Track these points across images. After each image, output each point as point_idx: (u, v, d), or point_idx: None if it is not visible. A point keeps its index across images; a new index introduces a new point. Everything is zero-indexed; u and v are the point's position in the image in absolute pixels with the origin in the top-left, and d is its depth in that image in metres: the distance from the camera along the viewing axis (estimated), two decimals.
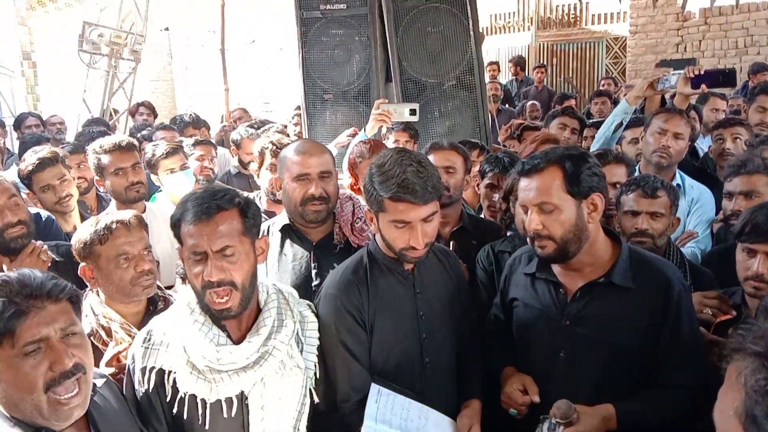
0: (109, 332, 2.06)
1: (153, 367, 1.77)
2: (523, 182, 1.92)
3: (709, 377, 1.86)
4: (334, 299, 1.98)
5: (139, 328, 2.11)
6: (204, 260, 1.72)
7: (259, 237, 1.87)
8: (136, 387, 1.80)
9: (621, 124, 3.62)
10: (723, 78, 3.65)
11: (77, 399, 1.45)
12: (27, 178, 3.22)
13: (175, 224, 1.78)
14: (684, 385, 1.85)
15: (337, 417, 1.98)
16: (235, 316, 1.78)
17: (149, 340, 1.82)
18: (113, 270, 2.09)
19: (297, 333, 1.91)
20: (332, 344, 1.96)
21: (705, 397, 1.83)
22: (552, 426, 1.72)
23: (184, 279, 2.62)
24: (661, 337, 1.87)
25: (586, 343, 1.90)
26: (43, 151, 3.29)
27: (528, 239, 1.96)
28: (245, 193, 2.00)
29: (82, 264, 2.15)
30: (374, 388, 1.89)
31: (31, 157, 3.24)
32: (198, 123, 6.11)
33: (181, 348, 1.76)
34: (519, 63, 10.12)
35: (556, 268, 2.00)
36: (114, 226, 2.11)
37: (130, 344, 2.04)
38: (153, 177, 3.55)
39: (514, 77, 10.03)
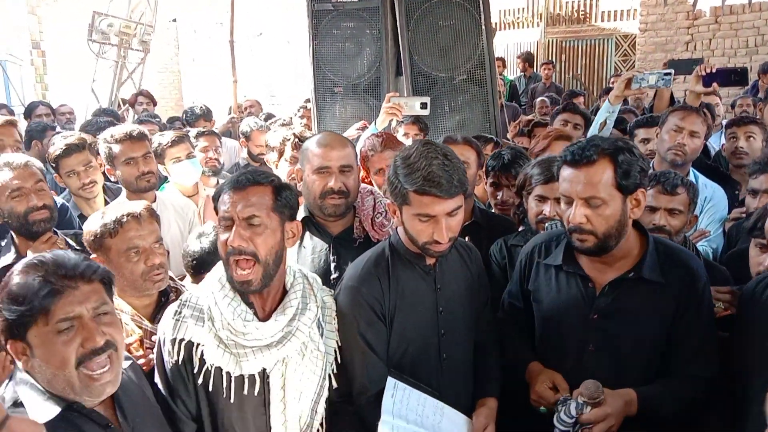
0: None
1: (182, 339, 1.81)
2: (569, 172, 1.87)
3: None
4: (354, 291, 1.97)
5: (150, 320, 2.14)
6: (231, 227, 1.77)
7: (291, 221, 1.89)
8: (166, 359, 1.83)
9: (605, 122, 3.61)
10: (735, 76, 3.64)
11: (109, 375, 1.50)
12: (54, 162, 3.25)
13: (216, 197, 1.85)
14: (698, 375, 1.87)
15: (351, 409, 1.98)
16: (256, 291, 1.81)
17: (180, 312, 1.85)
18: (124, 263, 2.09)
19: (318, 318, 1.94)
20: (351, 336, 1.96)
21: (716, 387, 1.86)
22: (579, 406, 1.72)
23: (194, 275, 2.62)
24: (680, 326, 1.88)
25: (615, 337, 1.91)
26: (72, 137, 3.31)
27: (567, 230, 1.92)
28: None
29: (93, 255, 2.14)
30: (390, 381, 1.89)
31: (60, 142, 3.25)
32: (209, 115, 6.11)
33: (209, 321, 1.81)
34: (527, 59, 10.08)
35: (583, 261, 1.98)
36: (125, 219, 2.10)
37: (141, 337, 2.06)
38: (160, 166, 3.54)
39: (522, 73, 9.99)
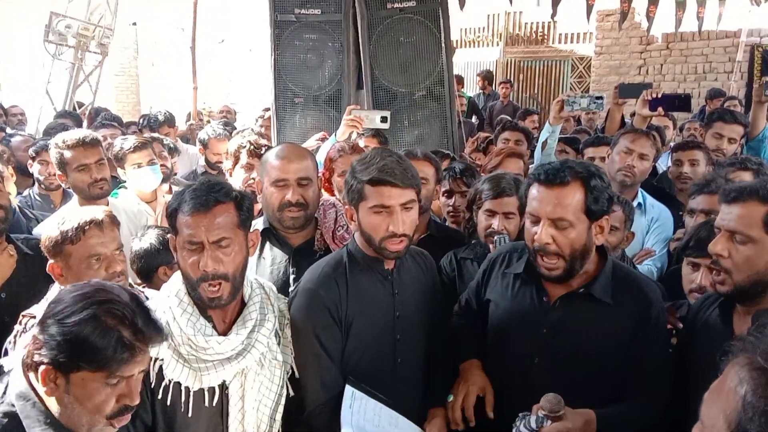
0: None
1: None
2: (541, 192, 1.87)
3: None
4: (312, 293, 1.99)
5: None
6: (200, 250, 1.76)
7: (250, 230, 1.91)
8: None
9: (546, 142, 3.75)
10: (679, 102, 3.82)
11: (122, 424, 1.53)
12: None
13: (171, 214, 1.81)
14: (653, 401, 1.90)
15: (303, 417, 1.99)
16: (225, 306, 1.82)
17: None
18: (84, 270, 2.06)
19: (276, 328, 1.95)
20: (305, 340, 1.97)
21: (666, 414, 1.91)
22: (540, 419, 1.71)
23: (144, 279, 2.60)
24: (635, 355, 1.90)
25: (560, 353, 1.92)
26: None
27: (531, 250, 1.93)
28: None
29: (51, 261, 2.11)
30: (348, 390, 1.90)
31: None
32: (172, 122, 6.06)
33: (168, 336, 1.78)
34: (487, 77, 10.26)
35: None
36: (87, 226, 2.07)
37: None
38: (119, 171, 3.50)
39: (481, 91, 10.17)
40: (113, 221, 2.17)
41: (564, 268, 1.87)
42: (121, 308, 1.44)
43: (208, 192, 1.78)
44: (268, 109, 5.41)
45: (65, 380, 1.42)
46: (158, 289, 2.29)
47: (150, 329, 1.48)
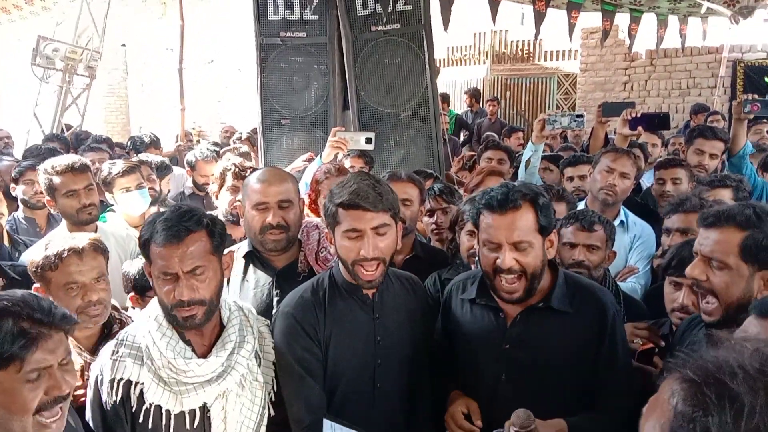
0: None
1: (121, 379, 1.82)
2: (495, 218, 1.90)
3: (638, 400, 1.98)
4: (289, 317, 2.01)
5: (91, 352, 2.13)
6: (174, 280, 1.79)
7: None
8: (104, 398, 1.83)
9: (530, 161, 3.81)
10: (658, 121, 3.90)
11: (60, 423, 1.50)
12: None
13: (144, 244, 1.83)
14: (619, 407, 1.92)
15: None
16: (200, 326, 1.84)
17: (117, 352, 1.86)
18: (62, 297, 2.09)
19: (256, 349, 1.97)
20: (287, 362, 1.99)
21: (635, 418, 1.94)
22: None
23: (142, 297, 2.61)
24: (598, 361, 1.95)
25: (526, 366, 1.96)
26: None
27: (491, 272, 1.95)
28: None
29: (36, 285, 2.14)
30: (327, 423, 1.90)
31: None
32: (158, 143, 6.08)
33: (148, 360, 1.82)
34: (474, 95, 10.36)
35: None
36: (65, 254, 2.10)
37: (82, 366, 2.05)
38: (108, 195, 3.50)
39: (469, 108, 10.25)
40: (96, 249, 2.18)
41: (524, 289, 1.92)
42: (10, 304, 1.43)
43: (179, 221, 1.80)
44: (254, 131, 5.43)
45: None
46: None
47: (48, 317, 1.46)
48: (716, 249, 1.75)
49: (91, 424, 1.85)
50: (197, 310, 1.81)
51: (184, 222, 1.79)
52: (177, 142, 7.45)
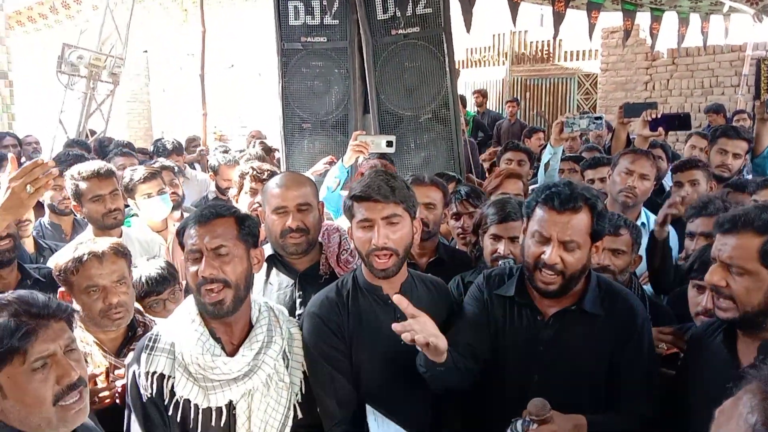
0: (85, 358, 2.09)
1: (155, 372, 1.88)
2: (553, 216, 1.92)
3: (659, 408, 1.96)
4: (315, 317, 2.07)
5: (116, 354, 2.18)
6: (200, 259, 1.86)
7: (255, 247, 1.98)
8: (141, 391, 1.88)
9: (549, 164, 3.80)
10: (679, 121, 3.86)
11: (81, 404, 1.53)
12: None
13: (180, 232, 1.93)
14: (639, 411, 1.94)
15: None
16: (228, 314, 1.89)
17: (151, 346, 1.92)
18: (85, 300, 2.15)
19: (284, 350, 2.01)
20: (315, 361, 2.04)
21: (659, 425, 1.94)
22: (526, 423, 1.76)
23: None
24: (623, 363, 1.96)
25: (558, 368, 1.98)
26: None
27: (531, 266, 1.97)
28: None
29: (61, 289, 2.20)
30: (369, 410, 1.96)
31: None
32: (180, 149, 6.15)
33: (179, 354, 1.88)
34: (483, 95, 10.35)
35: (534, 294, 2.04)
36: (86, 258, 2.15)
37: (107, 368, 2.10)
38: (130, 201, 3.57)
39: (477, 108, 10.19)
40: (117, 253, 2.22)
41: (560, 284, 1.94)
42: (6, 302, 1.48)
43: (212, 207, 1.94)
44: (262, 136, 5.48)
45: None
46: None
47: (46, 308, 1.50)
48: (735, 255, 1.74)
49: (133, 416, 1.90)
50: (223, 292, 1.85)
51: (216, 208, 1.93)
52: (199, 147, 7.52)
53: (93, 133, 8.67)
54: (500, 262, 2.45)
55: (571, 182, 2.02)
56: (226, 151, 5.64)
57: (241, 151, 5.50)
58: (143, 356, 1.91)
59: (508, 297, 2.09)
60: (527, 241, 2.01)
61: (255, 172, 3.26)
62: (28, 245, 3.40)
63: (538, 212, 1.97)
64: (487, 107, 10.28)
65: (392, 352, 2.06)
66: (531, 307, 2.05)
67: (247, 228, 1.93)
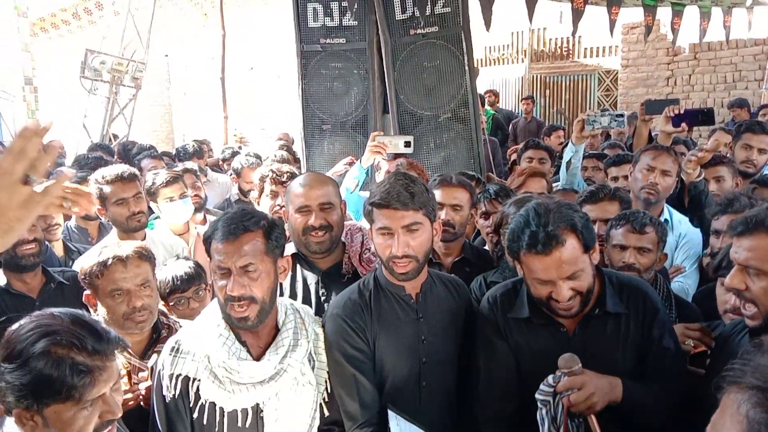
0: None
1: (180, 375, 1.90)
2: (540, 260, 1.84)
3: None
4: (338, 318, 2.08)
5: (141, 356, 2.21)
6: (228, 275, 1.86)
7: (282, 256, 1.99)
8: (165, 393, 1.91)
9: (570, 162, 3.78)
10: (702, 117, 3.81)
11: None
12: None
13: (207, 240, 1.93)
14: (674, 391, 1.93)
15: None
16: (252, 327, 1.91)
17: (177, 349, 1.94)
18: (109, 303, 2.18)
19: (310, 352, 2.03)
20: (338, 362, 2.04)
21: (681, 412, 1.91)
22: (557, 377, 1.81)
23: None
24: (652, 347, 1.96)
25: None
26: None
27: (544, 303, 1.93)
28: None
29: (86, 292, 2.24)
30: (391, 415, 1.95)
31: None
32: (201, 153, 6.22)
33: (205, 358, 1.89)
34: (495, 94, 10.32)
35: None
36: (110, 261, 2.18)
37: (128, 371, 2.13)
38: (152, 205, 3.61)
39: (489, 107, 10.14)
40: (141, 257, 2.25)
41: (580, 303, 1.91)
42: (66, 335, 1.44)
43: (239, 220, 1.89)
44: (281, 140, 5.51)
45: (41, 417, 1.42)
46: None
47: (102, 345, 1.47)
48: (751, 257, 1.71)
49: (156, 417, 1.92)
50: (248, 308, 1.86)
51: (244, 221, 1.89)
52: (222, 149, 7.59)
53: (116, 137, 8.80)
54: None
55: (539, 212, 1.88)
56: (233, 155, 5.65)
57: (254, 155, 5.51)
58: (168, 359, 1.93)
59: (524, 318, 2.03)
60: (532, 283, 1.94)
61: (274, 175, 3.29)
62: (57, 248, 3.46)
63: (528, 260, 1.88)
64: (499, 106, 10.23)
65: (415, 352, 2.08)
66: (551, 324, 2.00)
67: (275, 240, 1.93)
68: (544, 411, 1.85)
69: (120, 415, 1.52)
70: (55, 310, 1.52)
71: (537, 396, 1.86)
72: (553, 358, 1.89)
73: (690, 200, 3.38)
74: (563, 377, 1.79)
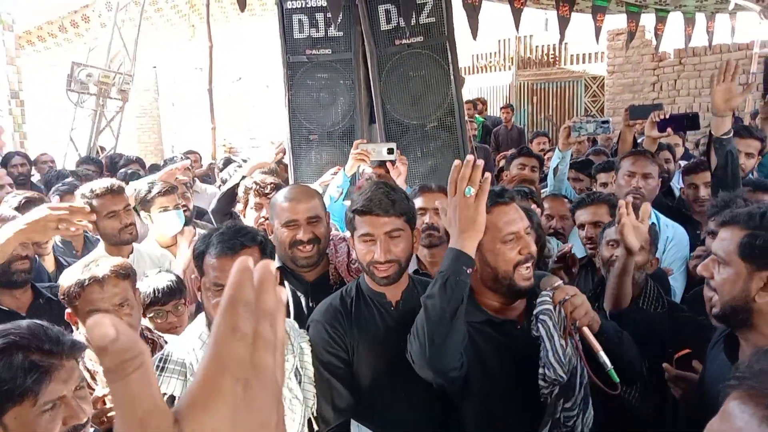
0: (93, 376, 2.10)
1: (164, 394, 1.87)
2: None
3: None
4: (318, 324, 2.09)
5: None
6: (221, 293, 1.82)
7: None
8: None
9: (557, 168, 3.80)
10: (687, 121, 3.85)
11: None
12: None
13: (198, 256, 1.91)
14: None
15: None
16: None
17: (162, 367, 1.92)
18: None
19: (296, 366, 2.02)
20: (316, 367, 2.06)
21: None
22: (544, 296, 1.87)
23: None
24: None
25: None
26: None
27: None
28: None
29: (68, 310, 2.20)
30: (354, 425, 1.97)
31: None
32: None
33: (191, 376, 1.87)
34: (483, 102, 10.39)
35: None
36: (86, 282, 2.13)
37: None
38: (143, 214, 3.56)
39: (479, 114, 10.21)
40: (119, 276, 2.18)
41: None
42: (17, 337, 1.41)
43: (235, 236, 1.88)
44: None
45: (1, 426, 1.39)
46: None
47: (58, 346, 1.44)
48: (718, 246, 1.74)
49: None
50: None
51: (240, 237, 1.89)
52: (211, 160, 7.58)
53: (103, 149, 8.77)
54: None
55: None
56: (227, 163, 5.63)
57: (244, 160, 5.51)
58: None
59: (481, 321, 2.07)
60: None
61: (258, 187, 3.27)
62: (49, 263, 3.43)
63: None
64: (488, 113, 10.29)
65: (392, 360, 2.06)
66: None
67: (269, 255, 1.95)
68: (550, 323, 1.85)
69: (85, 419, 1.46)
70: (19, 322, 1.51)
71: (540, 315, 1.86)
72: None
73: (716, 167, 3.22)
74: (552, 292, 1.85)
